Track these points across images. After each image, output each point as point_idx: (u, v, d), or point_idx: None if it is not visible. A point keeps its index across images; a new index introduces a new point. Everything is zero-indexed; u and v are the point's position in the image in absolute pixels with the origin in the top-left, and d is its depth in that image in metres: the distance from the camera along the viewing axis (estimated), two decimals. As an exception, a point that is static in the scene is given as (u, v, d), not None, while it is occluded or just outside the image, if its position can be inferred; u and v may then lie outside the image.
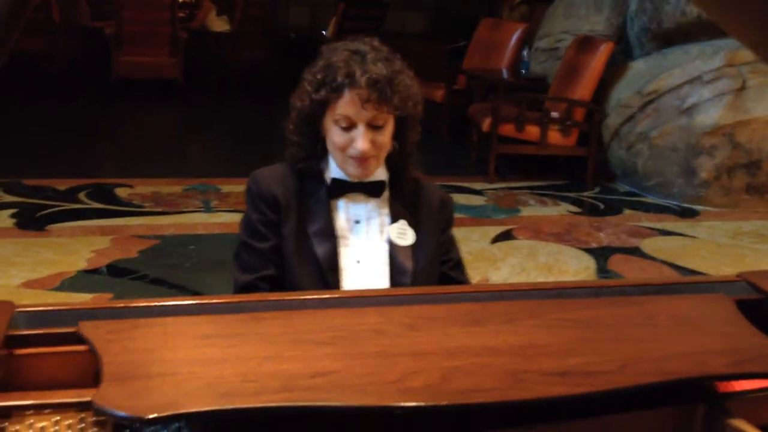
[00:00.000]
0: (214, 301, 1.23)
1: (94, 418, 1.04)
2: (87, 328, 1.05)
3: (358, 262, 1.86)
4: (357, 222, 1.88)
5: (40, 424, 1.03)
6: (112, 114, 8.32)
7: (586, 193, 6.12)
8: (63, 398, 1.00)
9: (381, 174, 1.89)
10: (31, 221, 4.70)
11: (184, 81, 9.00)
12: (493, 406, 0.98)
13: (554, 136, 6.16)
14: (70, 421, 1.04)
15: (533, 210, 5.62)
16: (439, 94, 7.32)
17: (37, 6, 9.05)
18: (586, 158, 6.28)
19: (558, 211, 5.64)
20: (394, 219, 1.89)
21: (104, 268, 3.99)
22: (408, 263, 1.86)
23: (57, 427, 1.03)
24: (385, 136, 1.81)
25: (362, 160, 1.80)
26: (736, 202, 5.74)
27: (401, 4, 11.28)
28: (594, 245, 4.84)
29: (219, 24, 10.52)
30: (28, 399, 1.01)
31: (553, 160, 6.58)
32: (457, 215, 6.00)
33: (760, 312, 1.33)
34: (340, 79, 1.75)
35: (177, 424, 0.99)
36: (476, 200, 5.75)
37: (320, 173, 1.89)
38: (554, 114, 6.18)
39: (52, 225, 4.64)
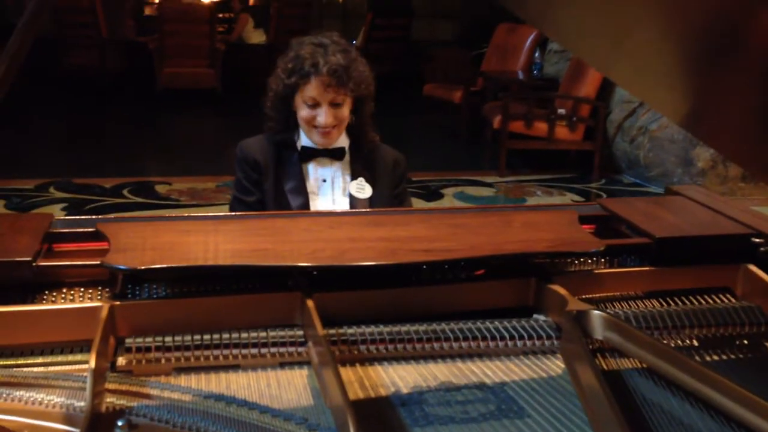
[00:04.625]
0: (198, 214, 1.70)
1: (108, 292, 1.52)
2: (103, 226, 1.53)
3: (325, 212, 2.33)
4: (324, 181, 2.36)
5: (72, 292, 1.51)
6: (156, 121, 8.92)
7: (591, 185, 6.49)
8: (88, 261, 1.47)
9: (343, 141, 2.37)
10: (80, 213, 5.27)
11: (222, 90, 9.56)
12: (371, 268, 1.43)
13: (561, 131, 6.54)
14: (92, 291, 1.52)
15: (539, 200, 6.02)
16: (457, 95, 7.76)
17: (86, 23, 9.74)
18: (593, 152, 6.65)
19: (563, 200, 6.03)
20: (354, 177, 2.36)
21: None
22: (366, 212, 2.32)
23: (83, 296, 1.51)
24: (344, 111, 2.29)
25: (325, 131, 2.28)
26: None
27: (429, 13, 11.73)
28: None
29: (256, 36, 11.09)
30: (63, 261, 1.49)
31: (565, 154, 6.95)
32: (465, 205, 6.39)
33: (601, 224, 1.76)
34: (306, 68, 2.24)
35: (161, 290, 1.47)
36: (486, 192, 6.17)
37: (293, 143, 2.37)
38: (561, 111, 6.57)
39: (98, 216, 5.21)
